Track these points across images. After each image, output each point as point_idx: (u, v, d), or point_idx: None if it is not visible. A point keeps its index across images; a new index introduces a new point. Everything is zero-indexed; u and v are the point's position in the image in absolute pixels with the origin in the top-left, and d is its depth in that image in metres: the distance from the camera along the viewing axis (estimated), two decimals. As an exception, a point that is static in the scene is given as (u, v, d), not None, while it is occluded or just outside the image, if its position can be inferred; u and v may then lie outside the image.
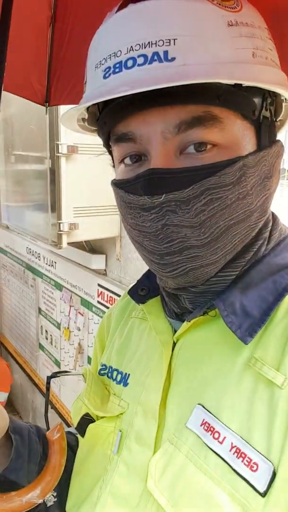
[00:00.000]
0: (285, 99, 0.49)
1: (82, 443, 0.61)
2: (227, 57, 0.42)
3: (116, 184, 0.49)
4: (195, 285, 0.49)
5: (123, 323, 0.66)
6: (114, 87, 0.42)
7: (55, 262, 2.17)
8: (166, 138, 0.43)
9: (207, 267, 0.47)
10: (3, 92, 0.60)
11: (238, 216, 0.45)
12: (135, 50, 0.41)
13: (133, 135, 0.45)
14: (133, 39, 0.41)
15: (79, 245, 1.89)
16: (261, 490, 0.39)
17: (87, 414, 0.58)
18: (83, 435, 0.58)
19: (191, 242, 0.45)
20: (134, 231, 0.48)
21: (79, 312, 1.98)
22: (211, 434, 0.44)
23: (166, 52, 0.40)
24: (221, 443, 0.43)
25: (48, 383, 0.62)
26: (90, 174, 1.55)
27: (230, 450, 0.42)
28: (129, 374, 0.58)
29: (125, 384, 0.58)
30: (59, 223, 1.54)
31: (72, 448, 0.64)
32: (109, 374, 0.62)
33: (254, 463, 0.40)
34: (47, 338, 2.39)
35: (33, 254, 2.45)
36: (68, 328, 2.10)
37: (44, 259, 2.31)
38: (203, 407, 0.46)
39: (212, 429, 0.44)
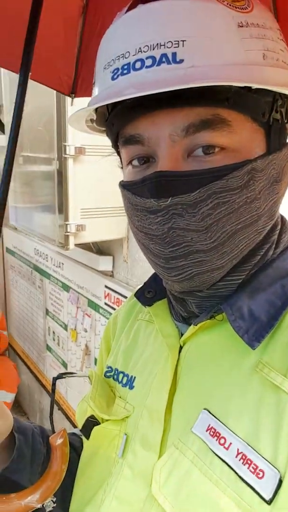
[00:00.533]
0: None
1: (86, 445, 0.61)
2: (237, 59, 0.41)
3: (124, 185, 0.49)
4: (201, 290, 0.49)
5: (129, 325, 0.65)
6: (122, 89, 0.41)
7: (63, 263, 2.18)
8: (174, 141, 0.43)
9: (213, 272, 0.46)
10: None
11: (245, 220, 0.45)
12: (144, 51, 0.41)
13: (141, 137, 0.45)
14: (142, 40, 0.41)
15: (86, 247, 1.89)
16: (267, 498, 0.39)
17: (92, 416, 0.58)
18: (88, 437, 0.58)
19: (197, 247, 0.44)
20: (140, 234, 0.48)
21: (86, 314, 1.98)
22: (217, 440, 0.43)
23: (174, 54, 0.40)
24: (227, 449, 0.42)
25: (53, 384, 0.62)
26: (97, 176, 1.55)
27: (236, 457, 0.41)
28: (135, 377, 0.58)
29: (131, 387, 0.57)
30: (66, 225, 1.54)
31: (76, 450, 0.64)
32: (115, 377, 0.61)
33: (260, 470, 0.40)
34: (54, 339, 2.40)
35: (40, 255, 2.46)
36: (75, 329, 2.11)
37: (51, 260, 2.32)
38: (209, 412, 0.46)
39: (218, 434, 0.44)
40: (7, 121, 2.07)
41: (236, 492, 0.40)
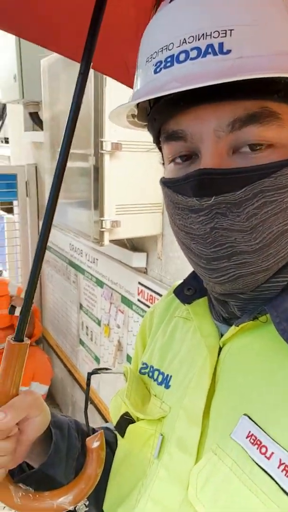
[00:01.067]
0: None
1: (121, 443, 0.60)
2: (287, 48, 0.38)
3: (165, 183, 0.47)
4: (244, 292, 0.47)
5: (166, 321, 0.64)
6: (165, 83, 0.40)
7: (97, 259, 2.19)
8: (219, 137, 0.41)
9: (257, 274, 0.44)
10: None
11: None
12: (188, 42, 0.39)
13: (184, 133, 0.43)
14: (186, 31, 0.39)
15: (120, 243, 1.89)
16: None
17: (127, 414, 0.57)
18: (122, 435, 0.57)
19: (241, 247, 0.43)
20: (181, 233, 0.47)
21: (119, 310, 1.98)
22: (257, 448, 0.42)
23: (221, 44, 0.38)
24: (268, 458, 0.40)
25: (88, 379, 0.62)
26: (133, 172, 1.54)
27: (278, 467, 0.40)
28: (171, 376, 0.57)
29: (167, 386, 0.56)
30: (101, 220, 1.54)
31: (110, 445, 0.64)
32: (150, 374, 0.61)
33: None
34: (87, 334, 2.42)
35: (75, 251, 2.49)
36: (108, 325, 2.12)
37: (86, 255, 2.34)
38: (250, 418, 0.44)
39: (258, 442, 0.42)
40: (45, 117, 2.10)
41: (278, 504, 0.39)
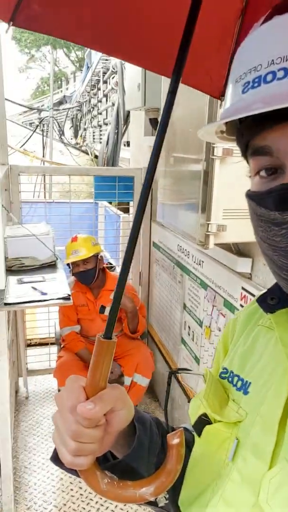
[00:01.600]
0: None
1: (198, 443, 0.63)
2: None
3: (249, 195, 0.50)
4: None
5: (249, 329, 0.65)
6: (250, 103, 0.42)
7: (203, 261, 2.23)
8: None
9: None
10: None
11: None
12: (276, 63, 0.41)
13: (270, 149, 0.45)
14: (275, 52, 0.41)
15: (226, 247, 1.90)
16: None
17: (204, 415, 0.60)
18: (199, 434, 0.60)
19: None
20: (264, 244, 0.49)
21: (221, 313, 2.00)
22: None
23: None
24: None
25: (169, 377, 0.65)
26: (243, 177, 1.54)
27: None
28: (250, 383, 0.58)
29: (245, 392, 0.58)
30: (208, 224, 1.58)
31: (187, 444, 0.66)
32: (230, 379, 0.62)
33: None
34: (189, 334, 2.47)
35: (183, 252, 2.56)
36: (209, 327, 2.14)
37: (192, 257, 2.39)
38: None
39: None
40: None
41: None
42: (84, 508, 2.34)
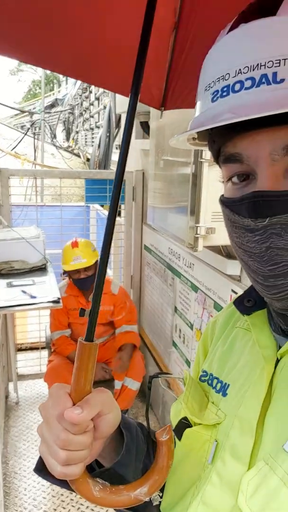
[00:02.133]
0: None
1: (178, 446, 0.62)
2: None
3: (223, 201, 0.50)
4: None
5: (227, 331, 0.65)
6: (220, 113, 0.43)
7: (193, 264, 2.23)
8: (274, 160, 0.43)
9: None
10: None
11: None
12: (243, 73, 0.41)
13: (240, 156, 0.45)
14: (242, 61, 0.42)
15: (216, 250, 1.91)
16: None
17: (185, 418, 0.60)
18: (180, 438, 0.60)
19: None
20: (239, 250, 0.49)
21: (211, 315, 2.00)
22: None
23: (275, 74, 0.40)
24: None
25: (149, 382, 0.64)
26: (231, 180, 1.55)
27: None
28: (228, 385, 0.58)
29: (224, 394, 0.58)
30: (197, 227, 1.58)
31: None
32: (209, 381, 0.62)
33: None
34: (180, 337, 2.47)
35: (174, 255, 2.56)
36: (200, 329, 2.14)
37: (183, 260, 2.39)
38: None
39: None
40: (152, 127, 2.21)
41: None
42: (74, 514, 2.32)
